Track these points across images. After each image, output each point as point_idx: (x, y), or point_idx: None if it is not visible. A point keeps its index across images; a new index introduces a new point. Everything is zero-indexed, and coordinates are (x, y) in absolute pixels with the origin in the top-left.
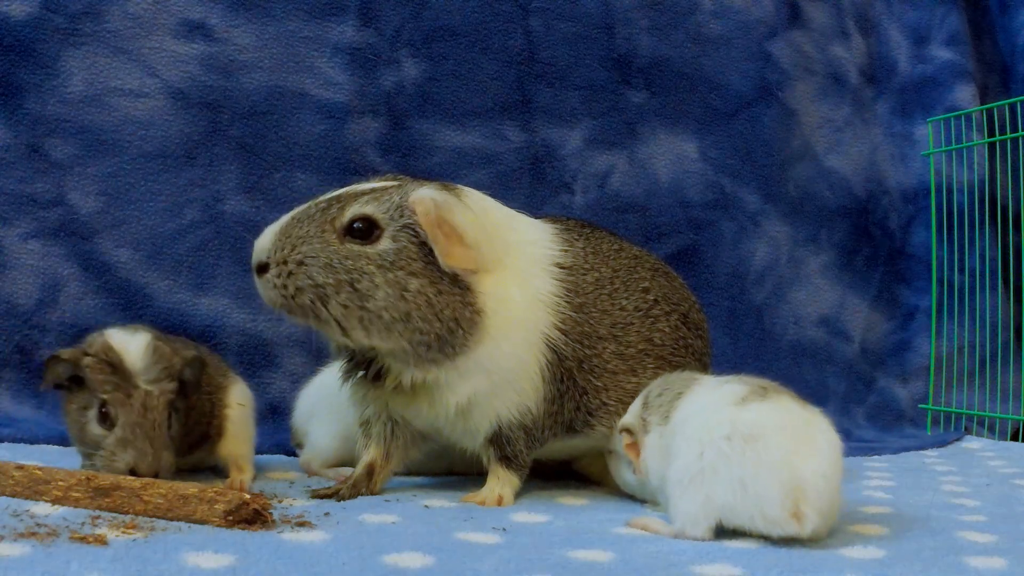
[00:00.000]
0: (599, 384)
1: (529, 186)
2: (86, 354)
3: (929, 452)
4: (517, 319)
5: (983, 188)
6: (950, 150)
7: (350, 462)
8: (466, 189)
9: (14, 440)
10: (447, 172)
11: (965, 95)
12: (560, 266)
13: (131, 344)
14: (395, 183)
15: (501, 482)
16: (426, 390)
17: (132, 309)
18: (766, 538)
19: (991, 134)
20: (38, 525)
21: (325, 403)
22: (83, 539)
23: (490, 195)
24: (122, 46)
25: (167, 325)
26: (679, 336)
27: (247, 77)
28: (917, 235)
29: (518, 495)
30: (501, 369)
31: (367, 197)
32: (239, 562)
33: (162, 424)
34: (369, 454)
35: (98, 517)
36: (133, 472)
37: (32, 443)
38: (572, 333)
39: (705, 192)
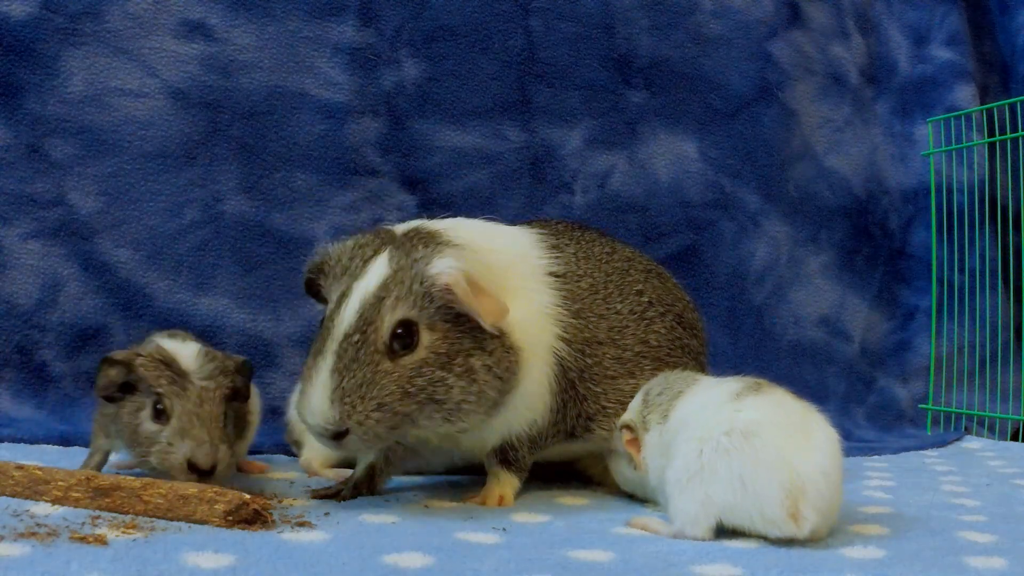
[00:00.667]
0: (598, 390)
1: (529, 186)
2: (138, 355)
3: (929, 452)
4: (532, 340)
5: (983, 188)
6: (950, 150)
7: (350, 462)
8: (445, 227)
9: (14, 440)
10: (447, 172)
11: (965, 95)
12: (554, 275)
13: (183, 348)
14: (384, 252)
15: (502, 483)
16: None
17: (132, 309)
18: (766, 538)
19: (991, 134)
20: (38, 525)
21: None
22: (83, 539)
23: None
24: (122, 46)
25: (167, 325)
26: (675, 337)
27: (247, 77)
28: (917, 235)
29: (518, 495)
30: (524, 394)
31: (386, 299)
32: (239, 562)
33: (219, 416)
34: (370, 455)
35: (98, 517)
36: (191, 465)
37: (32, 443)
38: (575, 342)
39: (705, 192)
